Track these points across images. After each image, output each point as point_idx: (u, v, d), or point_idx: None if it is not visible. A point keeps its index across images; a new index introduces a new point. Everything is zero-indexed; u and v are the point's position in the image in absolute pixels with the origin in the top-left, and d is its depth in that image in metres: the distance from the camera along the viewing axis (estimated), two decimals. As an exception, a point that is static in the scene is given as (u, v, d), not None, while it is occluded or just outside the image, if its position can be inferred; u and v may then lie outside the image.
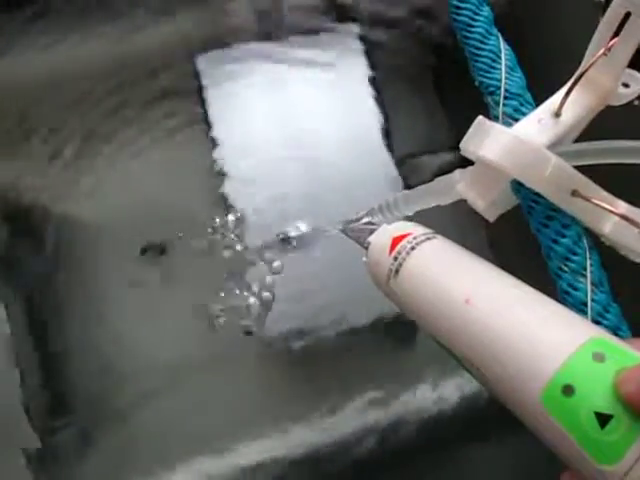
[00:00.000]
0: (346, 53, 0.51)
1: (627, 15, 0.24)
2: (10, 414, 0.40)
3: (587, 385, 0.18)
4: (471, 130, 0.26)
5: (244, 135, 0.48)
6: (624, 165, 0.24)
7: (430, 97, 0.52)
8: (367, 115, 0.49)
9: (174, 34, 0.49)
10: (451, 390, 0.45)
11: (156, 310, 0.45)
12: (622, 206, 0.25)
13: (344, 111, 0.49)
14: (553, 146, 0.25)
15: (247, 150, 0.48)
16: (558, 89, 0.27)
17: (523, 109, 0.28)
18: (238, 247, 0.46)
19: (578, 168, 0.25)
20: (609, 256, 0.26)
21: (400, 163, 0.48)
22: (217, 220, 0.46)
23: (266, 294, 0.45)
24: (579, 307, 0.25)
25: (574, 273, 0.25)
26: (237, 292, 0.45)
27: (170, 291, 0.45)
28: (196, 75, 0.49)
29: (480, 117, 0.26)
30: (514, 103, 0.28)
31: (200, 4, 0.49)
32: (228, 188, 0.47)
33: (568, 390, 0.18)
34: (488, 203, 0.27)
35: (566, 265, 0.25)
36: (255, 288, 0.45)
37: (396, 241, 0.26)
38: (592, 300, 0.24)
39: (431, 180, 0.30)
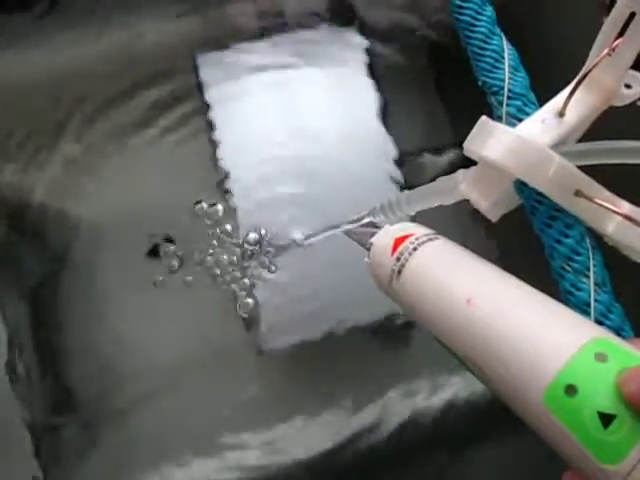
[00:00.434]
0: (347, 53, 0.51)
1: (632, 15, 0.24)
2: (10, 414, 0.39)
3: (590, 385, 0.18)
4: (474, 130, 0.26)
5: (245, 135, 0.48)
6: (627, 165, 0.24)
7: (431, 96, 0.52)
8: (368, 115, 0.49)
9: (175, 34, 0.49)
10: (451, 390, 0.45)
11: (156, 310, 0.45)
12: (625, 206, 0.25)
13: (345, 111, 0.49)
14: (557, 146, 0.25)
15: (248, 150, 0.48)
16: (561, 89, 0.27)
17: (527, 109, 0.28)
18: (238, 247, 0.46)
19: (581, 168, 0.25)
20: (612, 256, 0.26)
21: (401, 162, 0.48)
22: (217, 220, 0.46)
23: (266, 294, 0.45)
24: (582, 307, 0.25)
25: (577, 273, 0.25)
26: (237, 292, 0.45)
27: (170, 291, 0.45)
28: (197, 75, 0.49)
29: (484, 117, 0.26)
30: (518, 103, 0.28)
31: (201, 4, 0.49)
32: (228, 188, 0.47)
33: (571, 390, 0.18)
34: (491, 203, 0.27)
35: (569, 265, 0.25)
36: (255, 288, 0.45)
37: (398, 242, 0.27)
38: (595, 300, 0.25)
39: (432, 180, 0.30)
